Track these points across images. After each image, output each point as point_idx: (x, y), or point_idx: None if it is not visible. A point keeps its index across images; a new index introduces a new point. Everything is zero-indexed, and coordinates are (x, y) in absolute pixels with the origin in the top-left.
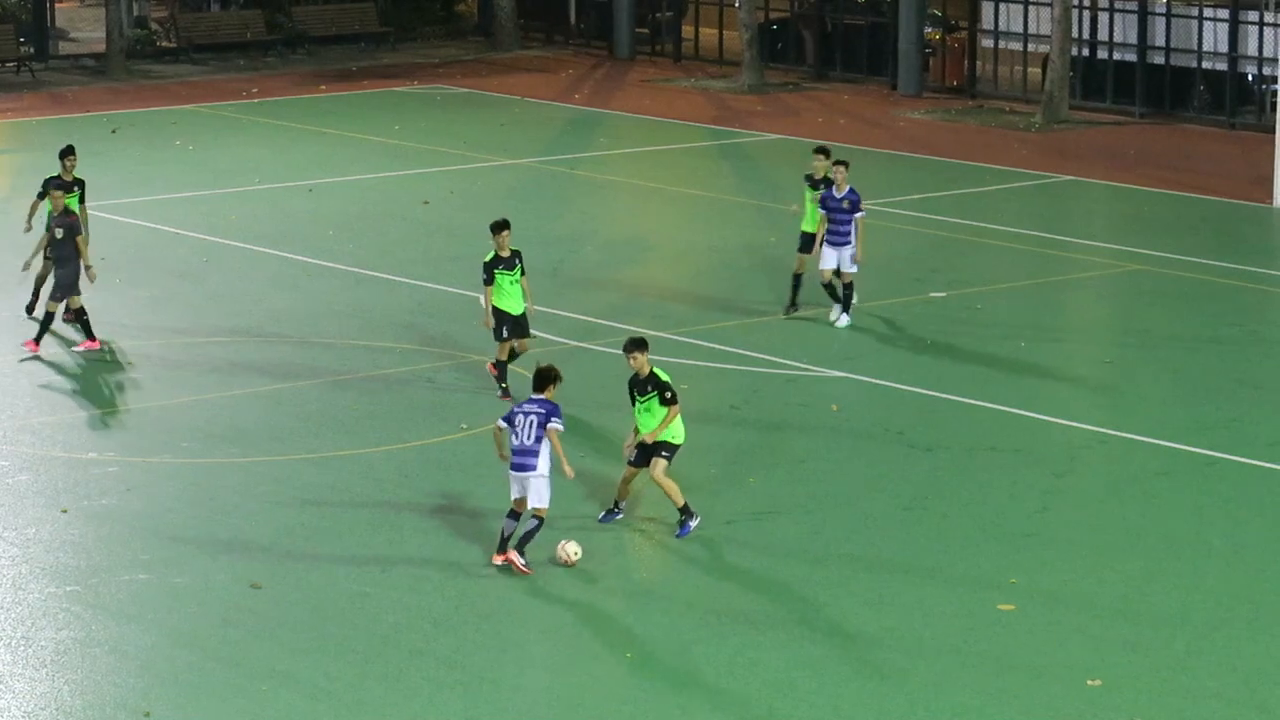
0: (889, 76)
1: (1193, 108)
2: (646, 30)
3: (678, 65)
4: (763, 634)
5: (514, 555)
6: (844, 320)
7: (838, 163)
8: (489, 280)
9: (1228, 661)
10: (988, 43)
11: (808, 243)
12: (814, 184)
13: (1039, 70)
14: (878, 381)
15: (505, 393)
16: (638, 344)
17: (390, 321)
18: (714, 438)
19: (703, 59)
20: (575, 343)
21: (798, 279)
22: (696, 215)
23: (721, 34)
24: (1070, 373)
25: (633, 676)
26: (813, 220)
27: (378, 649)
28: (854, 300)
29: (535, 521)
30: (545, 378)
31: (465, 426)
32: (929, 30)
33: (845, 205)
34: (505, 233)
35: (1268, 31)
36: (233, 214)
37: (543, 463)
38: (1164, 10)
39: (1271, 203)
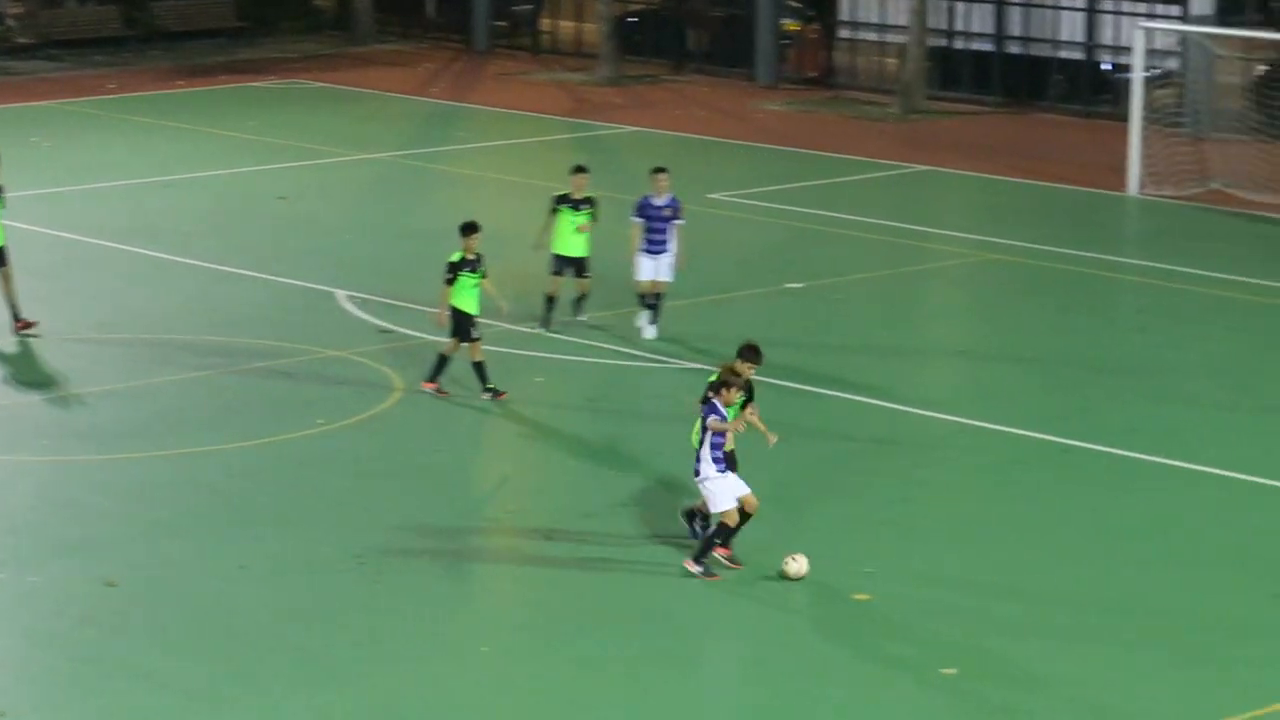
0: (747, 68)
1: (1049, 97)
2: (504, 23)
3: (536, 58)
4: (611, 629)
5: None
6: (651, 331)
7: (659, 169)
8: (451, 280)
9: (1082, 649)
10: (845, 34)
11: (563, 265)
12: (574, 204)
13: (896, 61)
14: None
15: (494, 393)
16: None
17: (248, 317)
18: (573, 429)
19: (561, 52)
20: (431, 337)
21: (552, 301)
22: None
23: (580, 27)
24: (927, 362)
25: (488, 670)
26: (565, 242)
27: (234, 645)
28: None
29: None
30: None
31: (322, 422)
32: (786, 22)
33: (666, 213)
34: (475, 235)
35: (1123, 21)
36: (91, 210)
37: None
38: (1020, 1)
39: (1125, 191)
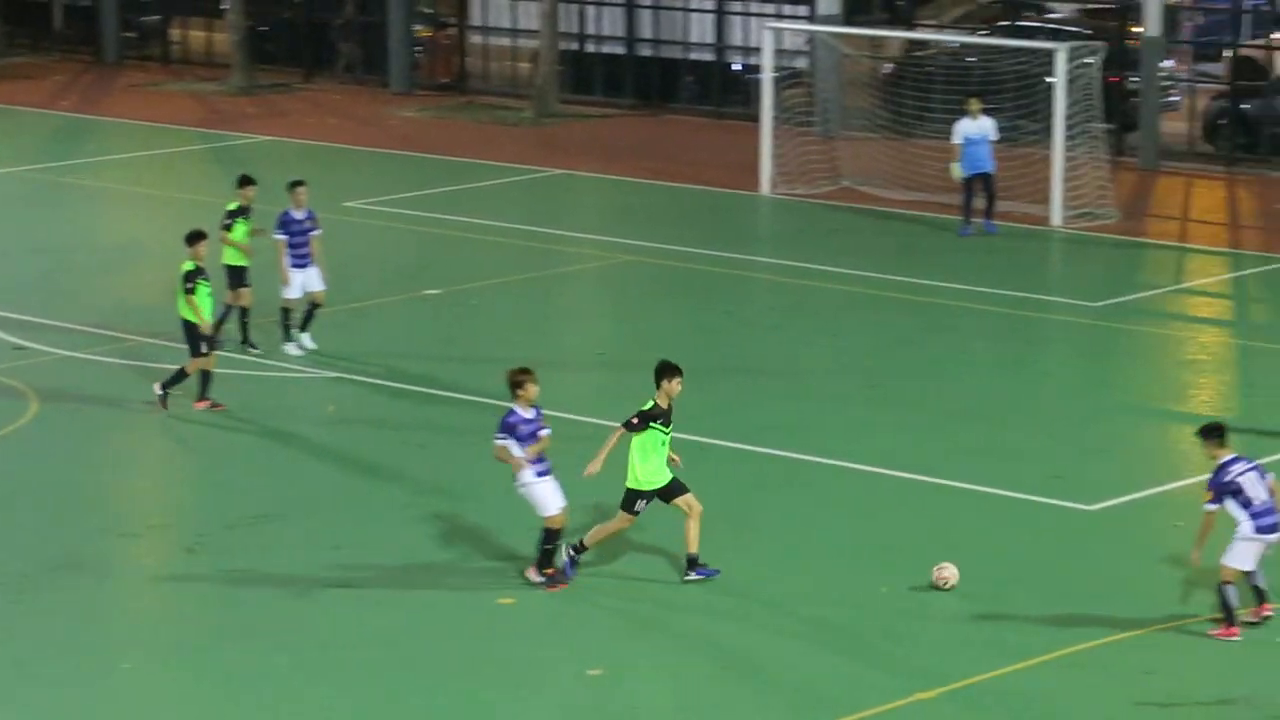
0: (380, 75)
1: (681, 99)
2: (134, 34)
3: (167, 68)
4: (260, 639)
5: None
6: (309, 343)
7: (297, 183)
8: (192, 290)
9: (727, 644)
10: (478, 39)
11: (240, 276)
12: (247, 215)
13: (529, 65)
14: (374, 381)
15: (209, 403)
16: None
17: None
18: (210, 441)
19: (192, 62)
20: (66, 352)
21: (245, 312)
22: (188, 220)
23: (210, 36)
24: (565, 365)
25: (131, 688)
26: (236, 253)
27: None
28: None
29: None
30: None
31: None
32: (419, 28)
33: (309, 224)
34: (202, 243)
35: (751, 21)
36: None
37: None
38: (650, 3)
39: (759, 190)
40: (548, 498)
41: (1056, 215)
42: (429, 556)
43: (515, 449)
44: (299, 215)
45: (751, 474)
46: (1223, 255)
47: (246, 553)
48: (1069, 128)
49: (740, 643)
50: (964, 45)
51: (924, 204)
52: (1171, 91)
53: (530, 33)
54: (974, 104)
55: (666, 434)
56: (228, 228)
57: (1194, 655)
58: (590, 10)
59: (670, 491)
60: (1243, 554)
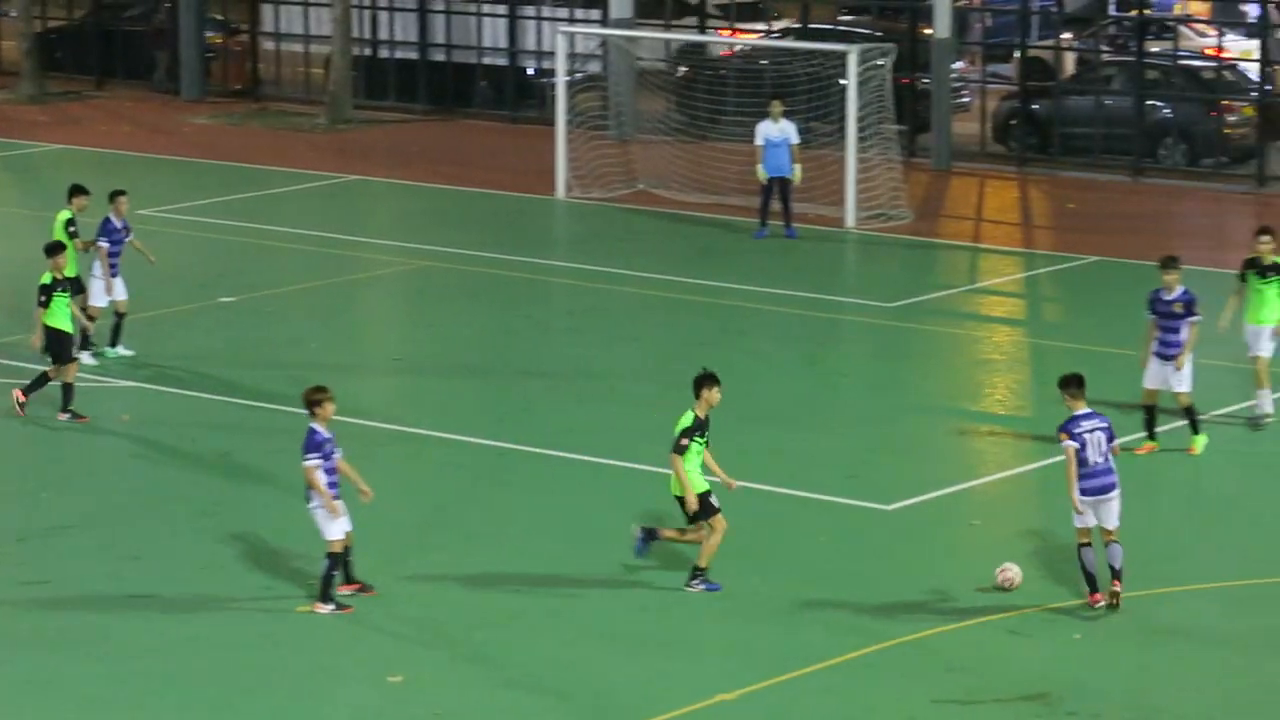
0: (173, 81)
1: (476, 103)
2: None
3: None
4: (58, 650)
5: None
6: (125, 350)
7: (119, 192)
8: (45, 303)
9: (526, 650)
10: (270, 45)
11: (78, 286)
12: (72, 230)
13: (322, 71)
14: (169, 390)
15: (74, 415)
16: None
17: None
18: (7, 450)
19: None
20: None
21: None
22: None
23: None
24: (363, 371)
25: None
26: (75, 263)
27: None
28: None
29: None
30: None
31: None
32: (210, 34)
33: (125, 234)
34: (62, 255)
35: (545, 26)
36: None
37: None
38: (443, 8)
39: (554, 194)
40: (334, 522)
41: (850, 217)
42: (228, 565)
43: (322, 476)
44: (119, 224)
45: (549, 478)
46: (1015, 255)
47: (41, 564)
48: (861, 129)
49: (538, 651)
50: (756, 49)
51: (719, 206)
52: (963, 92)
53: (323, 38)
54: (775, 106)
55: (703, 443)
56: (74, 235)
57: (994, 652)
58: (383, 15)
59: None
60: (1079, 518)
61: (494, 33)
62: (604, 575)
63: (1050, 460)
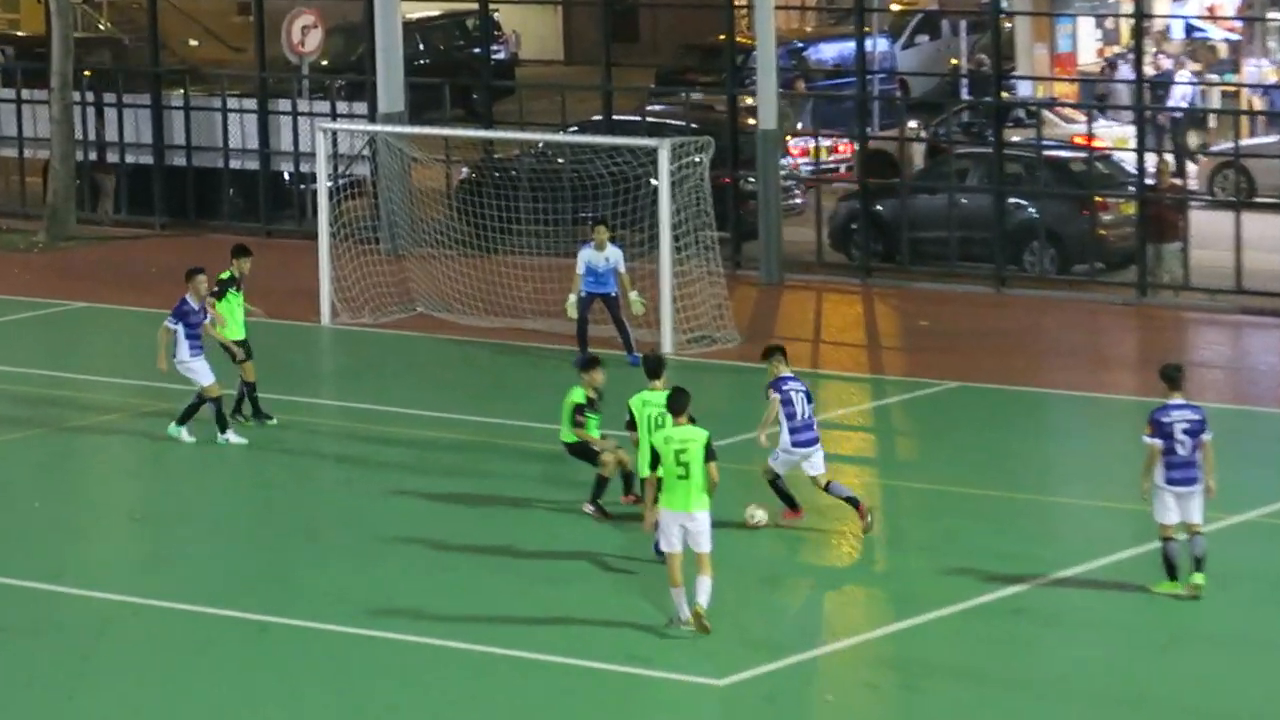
0: None
1: (223, 214)
2: None
3: None
4: None
5: None
6: None
7: None
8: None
9: None
10: None
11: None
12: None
13: (40, 179)
14: None
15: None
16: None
17: None
18: None
19: None
20: None
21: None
22: None
23: None
24: (95, 533)
25: None
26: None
27: None
28: None
29: None
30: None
31: None
32: None
33: None
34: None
35: (302, 122)
36: None
37: None
38: (180, 104)
39: (318, 320)
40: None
41: (667, 340)
42: None
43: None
44: None
45: (319, 655)
46: (861, 381)
47: None
48: (677, 238)
49: None
50: (550, 145)
51: (513, 332)
52: (794, 192)
53: (40, 141)
54: (600, 232)
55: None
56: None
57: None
58: (110, 114)
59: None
60: (782, 463)
61: (242, 131)
62: None
63: (918, 618)
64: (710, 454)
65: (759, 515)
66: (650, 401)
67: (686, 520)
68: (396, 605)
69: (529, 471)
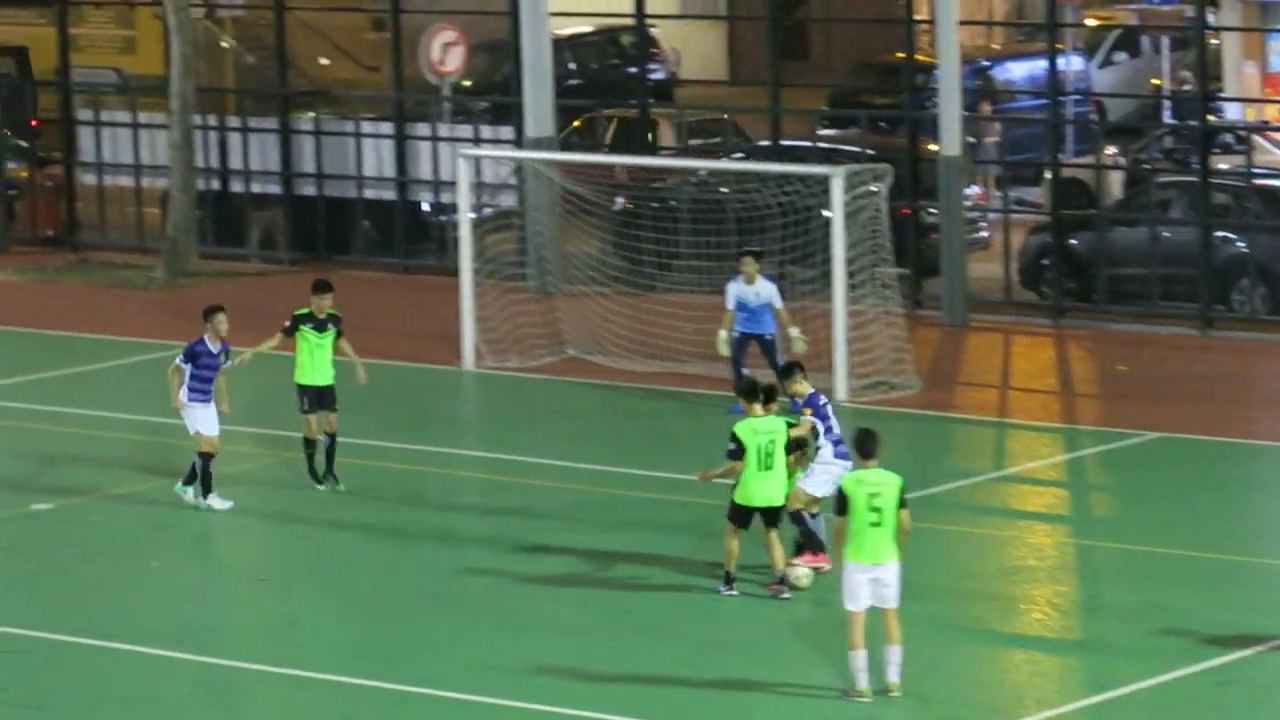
0: None
1: (356, 249)
2: None
3: None
4: None
5: None
6: None
7: None
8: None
9: None
10: (90, 178)
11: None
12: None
13: (157, 211)
14: None
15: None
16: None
17: None
18: None
19: None
20: None
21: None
22: None
23: None
24: (221, 596)
25: None
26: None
27: None
28: None
29: None
30: None
31: None
32: (12, 166)
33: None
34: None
35: (443, 149)
36: None
37: None
38: (312, 128)
39: (461, 365)
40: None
41: (842, 387)
42: None
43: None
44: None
45: None
46: (1053, 431)
47: None
48: (852, 274)
49: None
50: (713, 173)
51: (672, 376)
52: (980, 225)
53: (158, 169)
54: (749, 264)
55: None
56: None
57: None
58: (234, 139)
59: None
60: (823, 482)
61: (378, 159)
62: None
63: (1116, 692)
64: (903, 500)
65: (802, 575)
66: (759, 430)
67: (880, 572)
68: (545, 673)
69: (688, 528)
